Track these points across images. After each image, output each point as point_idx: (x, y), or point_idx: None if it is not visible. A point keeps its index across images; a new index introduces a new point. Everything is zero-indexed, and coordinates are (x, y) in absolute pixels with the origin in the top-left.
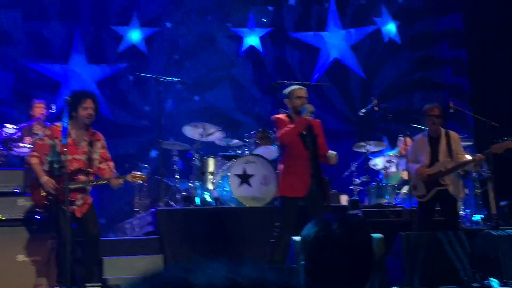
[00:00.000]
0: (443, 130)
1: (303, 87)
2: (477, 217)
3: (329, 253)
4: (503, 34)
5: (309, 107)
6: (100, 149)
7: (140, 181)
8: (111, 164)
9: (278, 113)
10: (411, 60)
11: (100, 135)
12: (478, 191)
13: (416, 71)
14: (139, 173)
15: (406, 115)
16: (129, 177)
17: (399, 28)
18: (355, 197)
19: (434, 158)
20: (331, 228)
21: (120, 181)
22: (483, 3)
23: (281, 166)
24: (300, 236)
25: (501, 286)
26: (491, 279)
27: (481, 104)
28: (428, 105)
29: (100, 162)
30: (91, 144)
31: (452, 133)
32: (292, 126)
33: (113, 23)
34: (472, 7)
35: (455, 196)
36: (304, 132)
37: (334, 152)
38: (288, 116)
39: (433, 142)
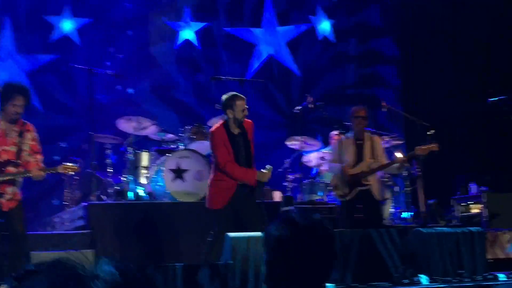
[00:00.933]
0: (367, 133)
1: (244, 97)
2: (406, 215)
3: (294, 248)
4: (434, 32)
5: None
6: (30, 140)
7: (72, 173)
8: (39, 157)
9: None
10: (345, 58)
11: (30, 126)
12: (408, 189)
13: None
14: (70, 164)
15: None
16: (60, 168)
17: (334, 26)
18: (289, 194)
19: (358, 159)
20: (296, 224)
21: (42, 172)
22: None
23: (210, 177)
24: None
25: (429, 282)
26: (421, 275)
27: (412, 102)
28: (355, 107)
29: (29, 155)
30: (21, 134)
31: (376, 137)
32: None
33: (45, 13)
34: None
35: (376, 197)
36: (239, 142)
37: (268, 167)
38: (225, 126)
39: (358, 143)
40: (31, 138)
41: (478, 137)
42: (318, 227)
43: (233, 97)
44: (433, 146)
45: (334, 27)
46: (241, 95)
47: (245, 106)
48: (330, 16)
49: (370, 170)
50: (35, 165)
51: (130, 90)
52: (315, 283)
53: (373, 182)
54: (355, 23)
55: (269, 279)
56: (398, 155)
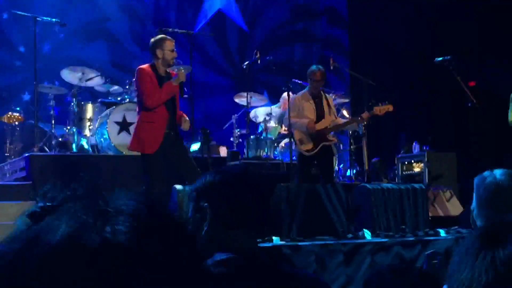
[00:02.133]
0: (321, 91)
1: (172, 39)
2: (350, 172)
3: (228, 195)
4: None
5: (182, 76)
6: None
7: (16, 123)
8: None
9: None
10: (291, 11)
11: None
12: (352, 147)
13: (296, 22)
14: (16, 113)
15: (287, 68)
16: (5, 118)
17: None
18: (235, 149)
19: (319, 116)
20: (226, 174)
21: None
22: None
23: (137, 119)
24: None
25: (372, 237)
26: (365, 230)
27: (358, 61)
28: (312, 69)
29: None
30: None
31: (328, 96)
32: (160, 91)
33: None
34: None
35: (334, 152)
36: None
37: (187, 120)
38: (152, 67)
39: (316, 101)
40: None
41: (422, 97)
42: (249, 175)
43: (162, 38)
44: (389, 107)
45: None
46: (169, 37)
47: (174, 48)
48: None
49: (335, 126)
50: None
51: (76, 41)
52: (251, 226)
53: (334, 139)
54: None
55: (208, 228)
56: (345, 112)
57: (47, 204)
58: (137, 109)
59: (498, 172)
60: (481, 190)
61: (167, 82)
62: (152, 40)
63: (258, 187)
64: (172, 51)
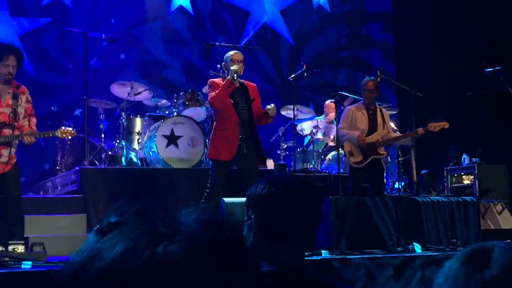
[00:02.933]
0: (377, 104)
1: (240, 52)
2: (398, 185)
3: (281, 207)
4: (429, 20)
5: (234, 68)
6: (25, 103)
7: (69, 137)
8: (34, 120)
9: (212, 76)
10: (341, 35)
11: (24, 88)
12: (401, 159)
13: (345, 48)
14: (69, 128)
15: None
16: (58, 133)
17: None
18: (282, 162)
19: (372, 128)
20: (281, 185)
21: (33, 138)
22: None
23: (213, 128)
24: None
25: (423, 250)
26: (415, 243)
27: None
28: (365, 79)
29: (24, 117)
30: (15, 97)
31: (384, 109)
32: (219, 89)
33: None
34: None
35: (384, 166)
36: (238, 96)
37: (272, 105)
38: (224, 79)
39: (370, 113)
40: (25, 100)
41: (472, 109)
42: (304, 187)
43: (228, 53)
44: (444, 124)
45: None
46: (236, 50)
47: (237, 58)
48: None
49: (386, 140)
50: (29, 128)
51: (122, 56)
52: (301, 242)
53: (385, 152)
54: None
55: (254, 241)
56: (392, 124)
57: (114, 219)
58: (213, 120)
59: None
60: None
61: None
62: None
63: (318, 203)
64: (232, 60)
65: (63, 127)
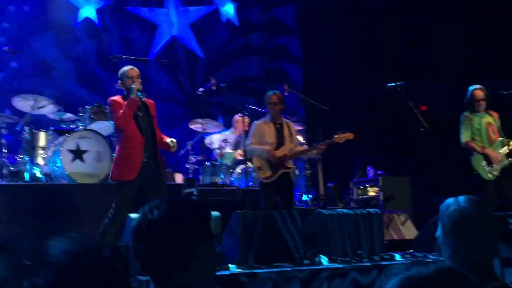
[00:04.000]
0: (283, 118)
1: (135, 67)
2: (306, 197)
3: (151, 237)
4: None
5: (136, 87)
6: None
7: None
8: None
9: (118, 90)
10: (247, 44)
11: None
12: (308, 172)
13: (252, 55)
14: None
15: (242, 86)
16: None
17: (237, 10)
18: (191, 176)
19: (279, 142)
20: (153, 213)
21: None
22: None
23: (117, 149)
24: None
25: (329, 262)
26: (321, 256)
27: (313, 88)
28: (268, 93)
29: None
30: None
31: (290, 123)
32: (123, 109)
33: None
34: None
35: (292, 180)
36: (140, 114)
37: (174, 140)
38: (124, 97)
39: (277, 127)
40: None
41: (376, 122)
42: (191, 204)
43: (122, 69)
44: (349, 135)
45: (237, 11)
46: (131, 66)
47: (134, 74)
48: None
49: (294, 154)
50: None
51: (27, 69)
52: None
53: (293, 166)
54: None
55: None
56: (300, 138)
57: None
58: (116, 140)
59: (461, 199)
60: (445, 218)
61: (129, 98)
62: (119, 72)
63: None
64: (130, 78)
65: None
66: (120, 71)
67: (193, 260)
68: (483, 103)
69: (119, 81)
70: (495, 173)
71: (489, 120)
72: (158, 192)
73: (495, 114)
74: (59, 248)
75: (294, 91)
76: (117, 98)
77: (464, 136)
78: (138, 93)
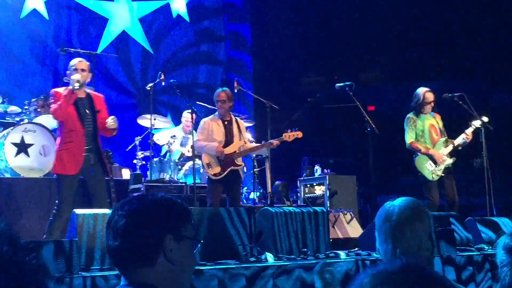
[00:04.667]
0: (232, 115)
1: (84, 60)
2: (253, 195)
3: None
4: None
5: (75, 78)
6: None
7: None
8: None
9: (65, 83)
10: (195, 35)
11: None
12: (256, 170)
13: (200, 44)
14: None
15: (191, 90)
16: None
17: (188, 5)
18: (138, 172)
19: (228, 139)
20: (124, 208)
21: None
22: None
23: (57, 141)
24: (81, 211)
25: (275, 260)
26: (267, 253)
27: (261, 83)
28: (217, 91)
29: None
30: None
31: (240, 120)
32: (61, 100)
33: None
34: None
35: (241, 176)
36: (82, 106)
37: (112, 117)
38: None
39: (226, 124)
40: None
41: (324, 121)
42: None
43: (75, 61)
44: (298, 133)
45: (188, 5)
46: (83, 59)
47: (80, 67)
48: None
49: (243, 151)
50: None
51: None
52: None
53: (242, 163)
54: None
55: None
56: (249, 136)
57: None
58: (58, 132)
59: (397, 203)
60: (381, 221)
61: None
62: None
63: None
64: (75, 69)
65: None
66: (70, 63)
67: (160, 257)
68: (432, 105)
69: (67, 72)
70: (439, 173)
71: (432, 122)
72: (100, 186)
73: (437, 116)
74: None
75: (244, 88)
76: (61, 89)
77: (409, 137)
78: (77, 85)
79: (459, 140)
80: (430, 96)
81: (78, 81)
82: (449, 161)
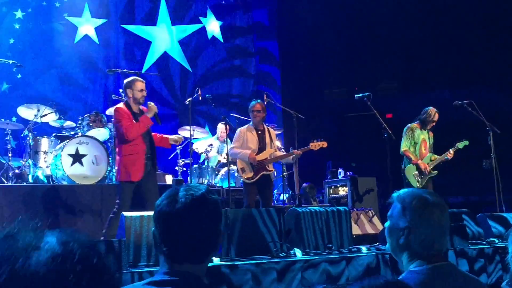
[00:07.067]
0: (264, 125)
1: (144, 80)
2: (283, 196)
3: (175, 223)
4: (311, 28)
5: (155, 109)
6: None
7: None
8: None
9: (115, 101)
10: (227, 52)
11: None
12: (285, 174)
13: (232, 60)
14: None
15: (225, 101)
16: None
17: (221, 27)
18: (179, 177)
19: (261, 147)
20: (178, 200)
21: None
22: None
23: (119, 153)
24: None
25: (303, 255)
26: (296, 249)
27: (289, 95)
28: (252, 103)
29: None
30: None
31: (271, 129)
32: (138, 124)
33: None
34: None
35: (272, 180)
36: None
37: (180, 136)
38: (127, 105)
39: (259, 133)
40: None
41: (347, 129)
42: (201, 203)
43: (133, 79)
44: (324, 143)
45: (222, 28)
46: (140, 78)
47: (144, 88)
48: (218, 18)
49: (273, 158)
50: None
51: (33, 81)
52: (202, 253)
53: (273, 169)
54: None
55: (158, 251)
56: (278, 143)
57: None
58: (117, 144)
59: (401, 192)
60: (390, 210)
61: (143, 116)
62: (124, 81)
63: (216, 222)
64: (141, 91)
65: None
66: (127, 81)
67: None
68: (434, 124)
69: (126, 89)
70: (424, 183)
71: (425, 137)
72: (152, 190)
73: (431, 133)
74: (54, 236)
75: (272, 101)
76: (123, 106)
77: (404, 145)
78: (152, 114)
79: (442, 157)
80: (437, 117)
81: (156, 112)
82: (432, 174)
